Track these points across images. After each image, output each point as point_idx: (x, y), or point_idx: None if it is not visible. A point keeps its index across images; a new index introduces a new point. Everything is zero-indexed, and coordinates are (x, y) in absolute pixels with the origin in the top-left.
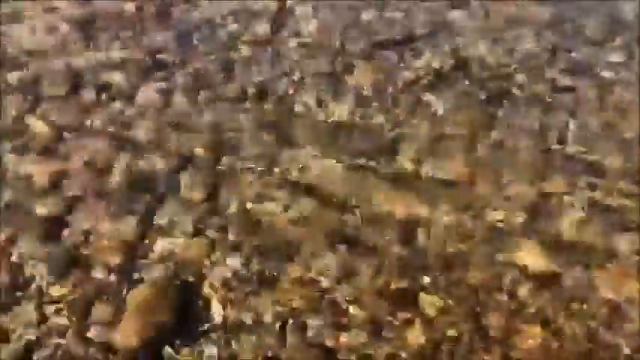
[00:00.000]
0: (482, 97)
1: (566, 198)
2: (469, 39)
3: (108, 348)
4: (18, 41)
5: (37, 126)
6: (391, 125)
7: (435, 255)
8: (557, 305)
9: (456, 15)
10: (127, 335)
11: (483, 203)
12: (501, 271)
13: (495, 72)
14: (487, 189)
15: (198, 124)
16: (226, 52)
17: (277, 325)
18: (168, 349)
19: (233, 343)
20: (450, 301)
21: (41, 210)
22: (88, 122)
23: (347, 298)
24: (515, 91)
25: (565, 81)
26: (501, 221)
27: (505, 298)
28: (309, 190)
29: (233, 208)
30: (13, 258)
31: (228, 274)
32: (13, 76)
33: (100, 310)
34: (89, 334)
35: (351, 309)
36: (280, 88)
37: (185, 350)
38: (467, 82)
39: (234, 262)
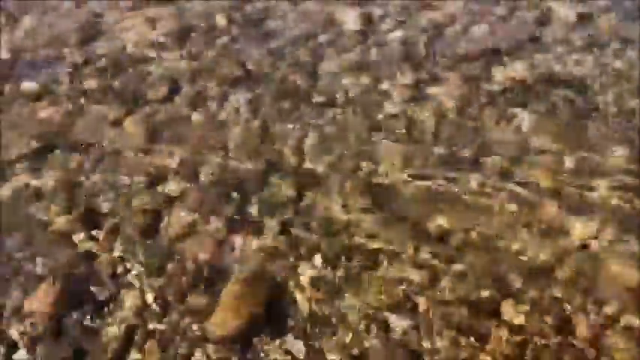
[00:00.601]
0: (570, 110)
1: None
2: (557, 53)
3: (201, 336)
4: (121, 49)
5: (134, 127)
6: (476, 137)
7: (520, 265)
8: None
9: (542, 29)
10: (219, 325)
11: (571, 217)
12: (590, 284)
13: (583, 86)
14: (574, 203)
15: (284, 129)
16: (313, 61)
17: (361, 325)
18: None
19: (318, 339)
20: (535, 312)
21: (139, 206)
22: (182, 125)
23: (429, 303)
24: (603, 106)
25: None
26: (591, 236)
27: (594, 311)
28: (392, 196)
29: (318, 210)
30: (115, 251)
31: (313, 273)
32: (114, 81)
33: (195, 301)
34: (184, 323)
35: (434, 314)
36: (365, 97)
37: (272, 343)
38: (554, 96)
39: (319, 261)
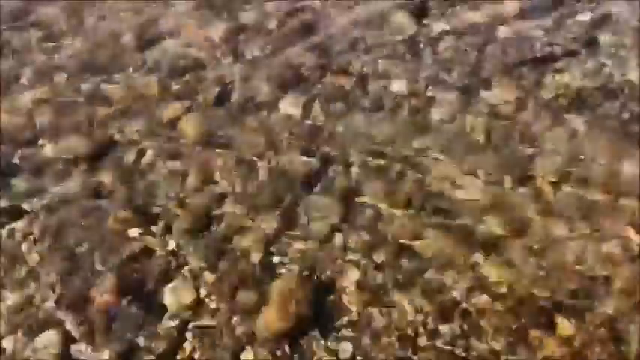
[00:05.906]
0: (626, 118)
1: None
2: (614, 59)
3: (250, 334)
4: (180, 53)
5: (188, 129)
6: (528, 143)
7: (573, 276)
8: None
9: (599, 34)
10: (267, 323)
11: (626, 228)
12: None
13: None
14: (630, 214)
15: (334, 132)
16: (362, 65)
17: (409, 329)
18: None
19: (366, 342)
20: (586, 325)
21: (193, 204)
22: (235, 126)
23: (477, 310)
24: None
25: None
26: None
27: None
28: (441, 201)
29: (367, 213)
30: (169, 245)
31: (362, 275)
32: (171, 84)
33: (244, 298)
34: (234, 320)
35: (482, 321)
36: (415, 101)
37: (320, 343)
38: (609, 103)
39: (367, 264)
